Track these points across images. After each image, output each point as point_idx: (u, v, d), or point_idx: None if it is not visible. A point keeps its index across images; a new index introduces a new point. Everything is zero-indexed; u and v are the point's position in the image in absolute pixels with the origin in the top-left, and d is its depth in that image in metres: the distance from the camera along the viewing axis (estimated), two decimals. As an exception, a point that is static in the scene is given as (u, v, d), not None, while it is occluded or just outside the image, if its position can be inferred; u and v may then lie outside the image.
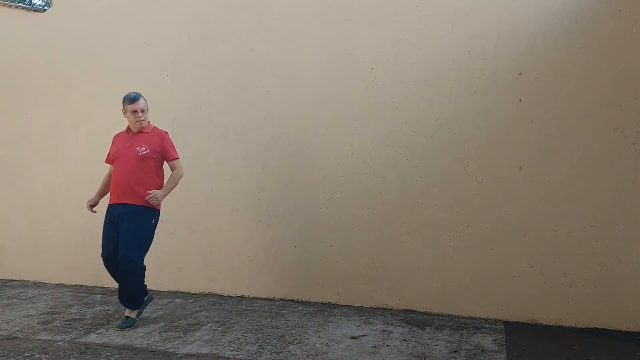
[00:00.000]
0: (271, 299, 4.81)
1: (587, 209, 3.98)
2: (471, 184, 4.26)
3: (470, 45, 4.24)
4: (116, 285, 5.24)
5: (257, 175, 4.88)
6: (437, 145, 4.34)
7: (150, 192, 3.84)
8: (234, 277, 4.97)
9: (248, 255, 4.91)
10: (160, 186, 3.98)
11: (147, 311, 4.41)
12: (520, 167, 4.14)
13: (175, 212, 5.15)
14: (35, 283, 5.60)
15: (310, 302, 4.68)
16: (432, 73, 4.35)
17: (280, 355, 3.36)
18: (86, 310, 4.48)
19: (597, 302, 3.95)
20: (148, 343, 3.61)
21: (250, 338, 3.69)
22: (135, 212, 3.86)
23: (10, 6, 5.95)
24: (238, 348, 3.49)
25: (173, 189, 4.02)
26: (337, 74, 4.63)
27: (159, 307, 4.54)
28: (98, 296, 4.97)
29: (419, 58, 4.39)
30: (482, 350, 3.46)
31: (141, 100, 3.93)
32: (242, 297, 4.88)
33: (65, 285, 5.48)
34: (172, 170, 4.05)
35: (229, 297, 4.91)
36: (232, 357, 3.33)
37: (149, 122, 4.04)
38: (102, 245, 3.99)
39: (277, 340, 3.64)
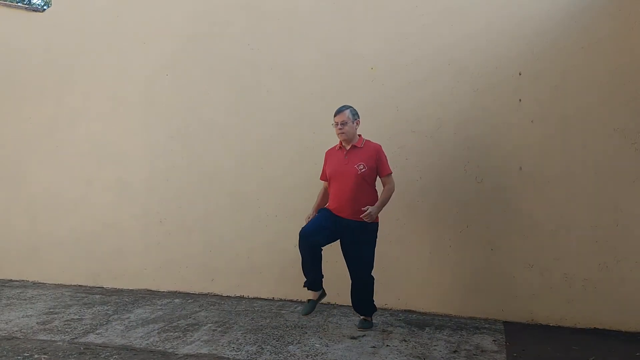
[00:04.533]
0: (271, 299, 4.80)
1: (587, 209, 3.98)
2: (471, 184, 4.25)
3: (470, 45, 4.24)
4: (116, 285, 5.32)
5: (257, 175, 4.88)
6: (437, 145, 4.33)
7: (364, 209, 3.71)
8: (233, 277, 4.96)
9: (248, 256, 4.90)
10: (377, 199, 3.85)
11: (147, 311, 4.41)
12: (520, 167, 4.14)
13: (175, 212, 5.15)
14: (34, 283, 5.59)
15: (310, 302, 4.67)
16: (432, 73, 4.35)
17: (280, 355, 3.36)
18: (85, 310, 4.47)
19: (597, 302, 3.94)
20: (147, 343, 3.60)
21: (250, 338, 3.69)
22: (368, 230, 3.79)
23: (9, 6, 5.94)
24: (237, 348, 3.49)
25: (386, 204, 3.85)
26: (337, 73, 4.62)
27: (158, 308, 4.54)
28: (97, 296, 4.96)
29: (419, 58, 4.38)
30: (482, 351, 3.45)
31: (344, 113, 3.78)
32: (241, 297, 4.87)
33: (64, 285, 5.47)
34: (384, 185, 3.88)
35: (229, 297, 4.91)
36: (231, 357, 3.32)
37: (360, 135, 3.89)
38: (308, 223, 3.85)
39: (277, 341, 3.63)
